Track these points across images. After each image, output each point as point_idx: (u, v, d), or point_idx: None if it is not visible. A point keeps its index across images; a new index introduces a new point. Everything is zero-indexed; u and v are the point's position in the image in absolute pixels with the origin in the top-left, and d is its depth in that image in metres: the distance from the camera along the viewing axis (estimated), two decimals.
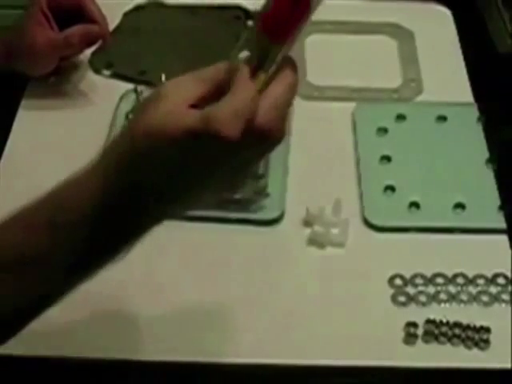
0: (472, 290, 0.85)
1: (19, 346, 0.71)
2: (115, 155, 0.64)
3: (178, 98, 0.63)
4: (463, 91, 1.08)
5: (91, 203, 0.64)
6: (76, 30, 1.00)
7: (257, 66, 0.63)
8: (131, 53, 1.12)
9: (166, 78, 1.02)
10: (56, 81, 1.06)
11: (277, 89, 0.63)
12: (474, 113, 1.03)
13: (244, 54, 0.64)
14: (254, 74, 0.63)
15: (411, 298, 0.84)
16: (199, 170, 0.64)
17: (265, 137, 0.63)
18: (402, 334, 0.81)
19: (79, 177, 0.66)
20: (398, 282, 0.85)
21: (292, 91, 0.64)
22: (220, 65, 0.66)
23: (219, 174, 0.65)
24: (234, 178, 0.68)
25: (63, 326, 0.78)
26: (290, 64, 0.64)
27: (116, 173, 0.64)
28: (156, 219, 0.66)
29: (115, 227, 0.66)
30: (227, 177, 0.66)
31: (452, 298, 0.84)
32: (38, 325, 0.69)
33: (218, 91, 0.64)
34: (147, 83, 1.05)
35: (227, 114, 0.60)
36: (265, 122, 0.62)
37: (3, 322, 0.67)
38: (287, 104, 0.64)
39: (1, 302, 0.66)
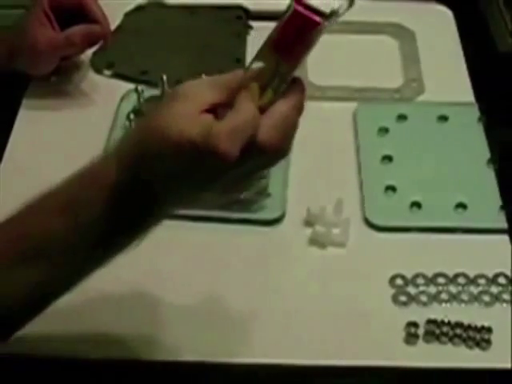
0: (473, 289, 0.85)
1: (20, 344, 0.71)
2: (128, 147, 0.66)
3: (193, 101, 0.65)
4: (464, 91, 1.08)
5: (105, 193, 0.66)
6: (77, 29, 1.00)
7: (266, 83, 0.65)
8: (132, 53, 1.12)
9: (167, 78, 1.02)
10: (57, 81, 1.06)
11: (282, 108, 0.65)
12: (475, 113, 1.03)
13: (258, 64, 0.66)
14: (263, 89, 0.65)
15: (412, 298, 0.84)
16: (199, 177, 0.65)
17: (265, 153, 0.64)
18: (402, 334, 0.81)
19: (94, 166, 0.69)
20: (399, 281, 0.85)
21: (297, 111, 0.66)
22: (237, 72, 0.68)
23: (219, 182, 0.67)
24: (234, 185, 0.69)
25: (63, 327, 0.78)
26: (299, 85, 0.66)
27: (127, 164, 0.66)
28: (157, 216, 0.68)
29: (126, 217, 0.67)
30: (228, 184, 0.68)
31: (453, 297, 0.84)
32: (39, 324, 0.70)
33: (233, 98, 0.66)
34: (148, 83, 1.05)
35: (227, 131, 0.62)
36: (266, 139, 0.64)
37: (22, 308, 0.70)
38: (291, 123, 0.65)
39: (23, 287, 0.68)
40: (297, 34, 0.65)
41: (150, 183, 0.66)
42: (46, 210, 0.70)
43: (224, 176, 0.66)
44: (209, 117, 0.64)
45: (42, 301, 0.71)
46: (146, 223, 0.69)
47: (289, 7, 0.65)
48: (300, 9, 0.64)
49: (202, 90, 0.66)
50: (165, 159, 0.64)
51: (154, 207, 0.68)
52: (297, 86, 0.66)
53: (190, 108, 0.64)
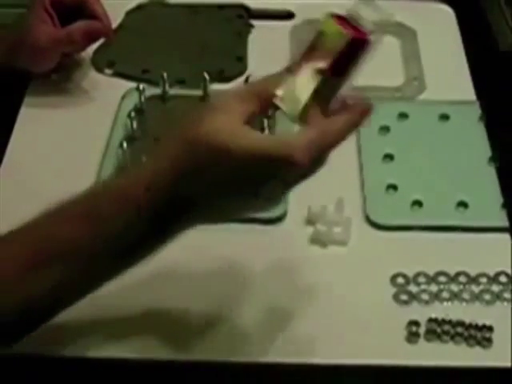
0: (474, 288, 0.85)
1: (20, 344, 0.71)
2: (169, 161, 0.68)
3: (235, 114, 0.68)
4: (466, 89, 1.08)
5: (132, 211, 0.68)
6: (78, 26, 1.00)
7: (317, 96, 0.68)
8: (133, 51, 1.12)
9: (168, 77, 1.02)
10: (58, 79, 1.06)
11: (339, 123, 0.69)
12: (476, 111, 1.03)
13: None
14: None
15: (413, 297, 0.84)
16: (249, 188, 0.69)
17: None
18: (404, 333, 0.81)
19: (121, 182, 0.71)
20: (401, 280, 0.85)
21: (349, 131, 0.69)
22: (269, 78, 0.70)
23: (265, 192, 0.70)
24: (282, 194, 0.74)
25: (64, 327, 0.78)
26: (363, 108, 0.70)
27: (170, 178, 0.68)
28: (184, 230, 0.72)
29: (152, 232, 0.70)
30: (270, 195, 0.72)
31: (454, 296, 0.84)
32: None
33: (267, 105, 0.69)
34: (149, 82, 1.05)
35: (305, 145, 0.66)
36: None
37: (43, 308, 0.71)
38: (341, 139, 0.70)
39: (40, 290, 0.69)
40: (350, 55, 0.68)
41: (187, 198, 0.68)
42: (68, 215, 0.71)
43: (288, 186, 0.71)
44: (258, 133, 0.69)
45: (55, 305, 0.72)
46: (171, 237, 0.72)
47: (329, 30, 0.68)
48: (355, 34, 0.67)
49: (239, 100, 0.69)
50: (217, 171, 0.66)
51: (184, 223, 0.71)
52: (360, 109, 0.70)
53: (235, 121, 0.67)
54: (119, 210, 0.69)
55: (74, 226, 0.70)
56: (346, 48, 0.67)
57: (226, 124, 0.67)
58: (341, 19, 0.68)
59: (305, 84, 0.68)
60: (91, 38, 1.02)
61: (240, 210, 0.73)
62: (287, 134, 0.68)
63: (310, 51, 0.69)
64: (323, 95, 0.68)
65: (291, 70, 0.69)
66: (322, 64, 0.68)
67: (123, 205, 0.69)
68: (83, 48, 1.05)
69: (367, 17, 0.68)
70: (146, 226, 0.69)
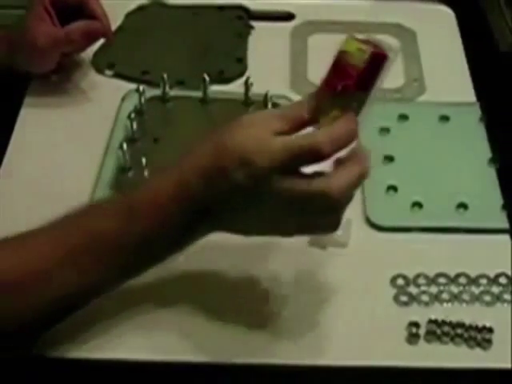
0: (474, 289, 0.85)
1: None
2: (199, 170, 0.72)
3: (265, 131, 0.71)
4: (466, 91, 1.08)
5: (161, 215, 0.72)
6: (77, 25, 1.00)
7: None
8: (133, 53, 1.12)
9: (168, 78, 1.02)
10: (58, 80, 1.06)
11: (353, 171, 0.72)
12: (476, 112, 1.03)
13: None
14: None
15: (413, 298, 0.84)
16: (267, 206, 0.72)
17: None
18: (404, 334, 0.81)
19: (152, 182, 0.76)
20: (401, 281, 0.85)
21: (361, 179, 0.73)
22: (303, 103, 0.74)
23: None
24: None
25: (64, 327, 0.78)
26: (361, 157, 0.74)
27: (196, 184, 0.71)
28: (204, 235, 0.76)
29: (180, 230, 0.74)
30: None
31: (454, 297, 0.84)
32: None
33: (297, 128, 0.73)
34: (149, 83, 1.05)
35: (344, 183, 0.71)
36: None
37: (69, 303, 0.74)
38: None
39: (73, 285, 0.72)
40: (372, 69, 0.73)
41: (213, 203, 0.72)
42: (96, 211, 0.75)
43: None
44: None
45: (79, 301, 0.75)
46: (190, 242, 0.76)
47: (350, 48, 0.73)
48: (375, 50, 0.72)
49: (271, 120, 0.73)
50: (240, 177, 0.70)
51: (205, 228, 0.75)
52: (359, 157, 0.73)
53: (262, 132, 0.71)
54: (153, 208, 0.72)
55: (109, 221, 0.73)
56: (369, 62, 0.72)
57: (255, 136, 0.71)
58: (359, 39, 0.74)
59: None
60: (90, 37, 1.02)
61: (261, 223, 0.74)
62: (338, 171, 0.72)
63: (333, 70, 0.74)
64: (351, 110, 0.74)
65: (318, 94, 0.74)
66: (348, 81, 0.73)
67: (153, 207, 0.72)
68: (82, 48, 1.05)
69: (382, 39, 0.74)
70: (171, 229, 0.73)
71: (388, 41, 1.05)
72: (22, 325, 0.72)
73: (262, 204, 0.71)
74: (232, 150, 0.70)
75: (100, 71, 1.10)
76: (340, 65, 0.74)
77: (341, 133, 0.71)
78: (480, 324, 0.81)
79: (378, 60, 0.73)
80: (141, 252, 0.73)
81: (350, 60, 0.73)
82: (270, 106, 1.00)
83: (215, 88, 1.04)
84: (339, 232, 0.88)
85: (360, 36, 0.74)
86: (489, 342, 0.80)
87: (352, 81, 0.73)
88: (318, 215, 0.73)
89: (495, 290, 0.85)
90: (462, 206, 0.92)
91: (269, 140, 0.70)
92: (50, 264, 0.72)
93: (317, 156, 0.70)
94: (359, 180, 0.72)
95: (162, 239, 0.74)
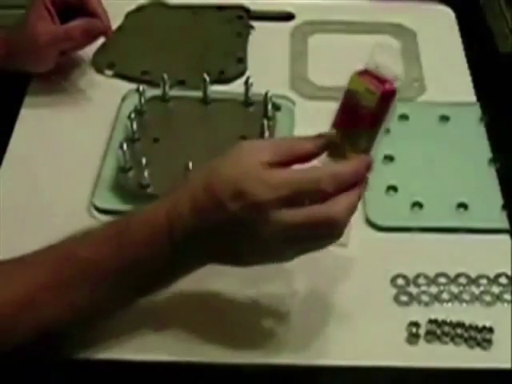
0: (474, 289, 0.85)
1: None
2: (191, 203, 0.71)
3: (260, 162, 0.70)
4: (466, 91, 1.08)
5: (155, 240, 0.71)
6: (77, 23, 1.00)
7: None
8: (133, 53, 1.13)
9: (169, 78, 1.02)
10: (58, 80, 1.06)
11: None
12: (476, 112, 1.03)
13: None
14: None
15: (414, 298, 0.84)
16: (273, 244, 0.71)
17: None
18: (404, 334, 0.81)
19: (146, 211, 0.74)
20: (401, 281, 0.85)
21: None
22: (307, 138, 0.75)
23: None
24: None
25: None
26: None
27: (188, 211, 0.71)
28: (205, 262, 0.75)
29: (174, 256, 0.72)
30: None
31: (454, 297, 0.84)
32: None
33: (290, 162, 0.72)
34: (149, 83, 1.05)
35: (346, 209, 0.72)
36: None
37: (59, 330, 0.73)
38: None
39: (64, 312, 0.72)
40: (383, 107, 0.74)
41: (204, 233, 0.71)
42: (93, 238, 0.73)
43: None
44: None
45: (72, 327, 0.74)
46: (182, 274, 0.75)
47: (359, 88, 0.74)
48: (383, 88, 0.73)
49: (263, 151, 0.72)
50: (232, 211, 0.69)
51: (198, 258, 0.74)
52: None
53: (254, 165, 0.70)
54: (143, 235, 0.72)
55: (99, 247, 0.72)
56: (380, 101, 0.73)
57: (247, 168, 0.70)
58: (364, 74, 0.75)
59: None
60: (90, 35, 1.02)
61: (258, 254, 0.73)
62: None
63: (344, 111, 0.75)
64: (363, 147, 0.75)
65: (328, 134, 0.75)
66: (362, 123, 0.74)
67: (147, 231, 0.72)
68: (82, 46, 1.05)
69: (385, 63, 0.74)
70: (166, 253, 0.72)
71: (388, 41, 1.05)
72: (17, 349, 0.71)
73: (258, 235, 0.70)
74: (226, 182, 0.69)
75: (100, 71, 1.10)
76: (350, 106, 0.74)
77: (348, 173, 0.72)
78: (480, 324, 0.81)
79: (388, 97, 0.74)
80: (129, 281, 0.72)
81: (360, 101, 0.74)
82: (270, 106, 1.00)
83: (215, 88, 1.04)
84: None
85: (361, 68, 0.75)
86: (489, 342, 0.80)
87: (366, 123, 0.74)
88: (322, 240, 0.73)
89: (495, 289, 0.85)
90: (462, 205, 0.92)
91: (266, 172, 0.70)
92: (41, 292, 0.71)
93: (318, 193, 0.70)
94: (359, 198, 0.73)
95: (151, 269, 0.73)
